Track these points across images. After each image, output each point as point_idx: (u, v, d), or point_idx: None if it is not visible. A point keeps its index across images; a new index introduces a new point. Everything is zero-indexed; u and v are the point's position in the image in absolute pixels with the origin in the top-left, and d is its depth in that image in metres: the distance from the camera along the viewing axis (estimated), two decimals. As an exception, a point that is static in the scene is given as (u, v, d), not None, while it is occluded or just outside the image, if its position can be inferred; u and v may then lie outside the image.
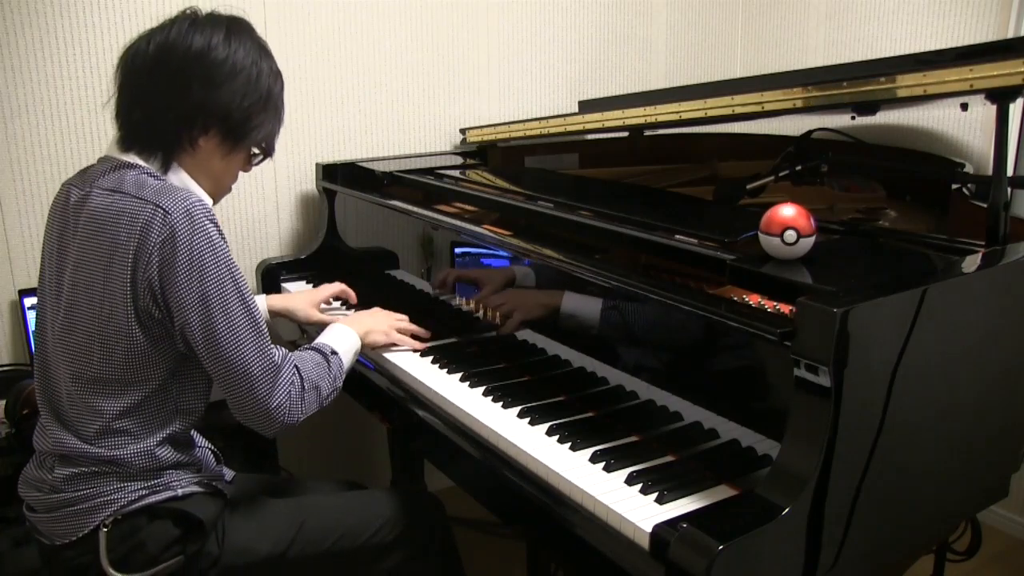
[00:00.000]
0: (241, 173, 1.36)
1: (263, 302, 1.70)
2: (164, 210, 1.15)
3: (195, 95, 1.21)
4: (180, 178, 1.25)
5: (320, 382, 1.31)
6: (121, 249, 1.16)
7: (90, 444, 1.20)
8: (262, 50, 1.28)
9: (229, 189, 1.36)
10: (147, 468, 1.22)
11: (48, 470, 1.24)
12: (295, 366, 1.27)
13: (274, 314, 1.71)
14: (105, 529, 1.19)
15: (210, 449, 1.39)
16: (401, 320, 1.62)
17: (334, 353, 1.39)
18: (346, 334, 1.48)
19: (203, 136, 1.24)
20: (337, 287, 1.80)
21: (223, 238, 1.20)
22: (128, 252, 1.15)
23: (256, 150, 1.34)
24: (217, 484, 1.30)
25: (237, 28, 1.26)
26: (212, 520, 1.25)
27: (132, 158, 1.23)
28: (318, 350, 1.37)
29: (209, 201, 1.28)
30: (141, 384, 1.21)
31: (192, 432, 1.34)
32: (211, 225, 1.18)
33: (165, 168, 1.24)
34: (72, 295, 1.21)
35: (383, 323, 1.57)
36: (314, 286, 2.07)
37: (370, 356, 1.63)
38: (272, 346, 1.23)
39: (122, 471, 1.21)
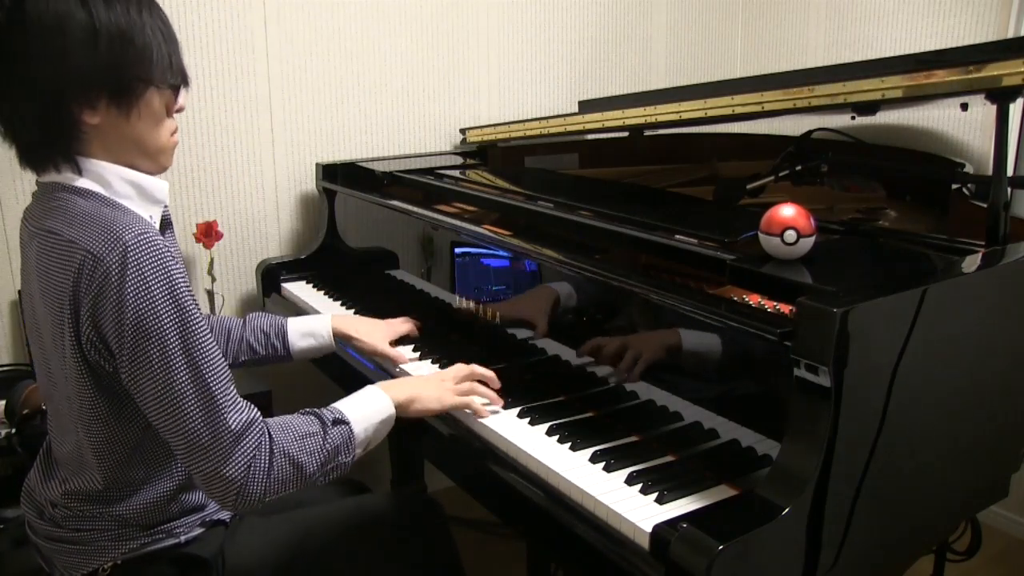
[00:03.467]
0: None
1: (327, 323, 1.56)
2: (94, 256, 0.98)
3: (32, 76, 1.00)
4: (108, 171, 1.07)
5: (304, 457, 1.09)
6: (63, 304, 1.02)
7: (90, 493, 1.14)
8: None
9: (171, 142, 1.13)
10: (151, 522, 1.16)
11: (49, 501, 1.19)
12: (266, 435, 1.07)
13: (339, 337, 1.57)
14: (104, 573, 1.15)
15: None
16: (468, 376, 1.34)
17: (339, 423, 1.15)
18: (372, 399, 1.23)
19: (86, 111, 1.03)
20: (407, 325, 1.64)
21: (171, 270, 1.01)
22: (67, 307, 1.01)
23: (165, 87, 1.08)
24: (219, 515, 1.25)
25: None
26: (215, 555, 1.21)
27: (52, 176, 1.07)
28: (317, 416, 1.15)
29: (159, 187, 1.12)
30: (126, 434, 1.11)
31: None
32: (151, 265, 0.99)
33: (77, 169, 1.06)
34: (47, 351, 1.11)
35: (436, 388, 1.30)
36: (314, 287, 2.07)
37: (368, 356, 1.63)
38: (235, 409, 1.04)
39: (124, 521, 1.16)
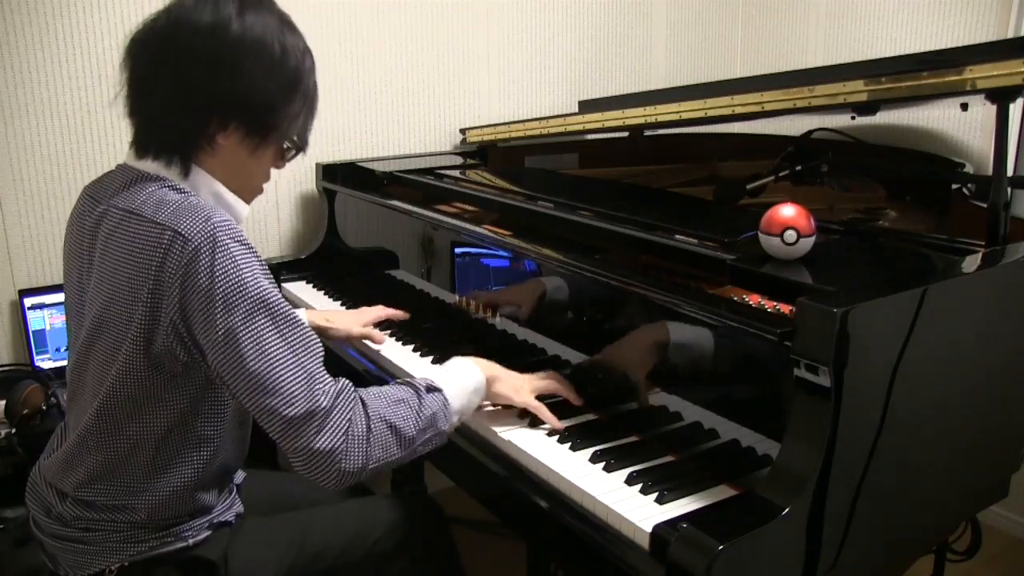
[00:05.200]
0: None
1: (302, 316, 1.55)
2: (183, 236, 1.00)
3: (207, 82, 1.05)
4: (205, 182, 1.12)
5: (400, 422, 1.08)
6: (138, 284, 1.02)
7: (102, 483, 1.13)
8: (285, 24, 1.11)
9: (261, 189, 1.21)
10: (161, 524, 1.15)
11: (58, 496, 1.18)
12: (359, 401, 1.07)
13: (312, 328, 1.60)
14: (111, 574, 1.14)
15: (234, 484, 1.31)
16: (544, 380, 1.32)
17: (433, 389, 1.16)
18: (463, 370, 1.23)
19: (221, 132, 1.09)
20: (381, 310, 1.67)
21: (255, 256, 1.04)
22: (145, 288, 1.02)
23: (288, 144, 1.17)
24: (225, 516, 1.24)
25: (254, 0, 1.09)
26: (221, 556, 1.20)
27: (149, 166, 1.10)
28: (409, 384, 1.15)
29: (242, 208, 1.17)
30: (153, 427, 1.11)
31: (217, 468, 1.20)
32: (238, 247, 1.02)
33: (185, 172, 1.10)
34: (94, 330, 1.09)
35: (519, 378, 1.30)
36: (315, 287, 2.08)
37: (366, 353, 1.63)
38: (324, 381, 1.04)
39: (134, 521, 1.14)
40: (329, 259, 2.17)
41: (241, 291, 1.01)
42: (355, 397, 1.07)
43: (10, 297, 1.90)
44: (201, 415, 1.14)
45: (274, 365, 1.01)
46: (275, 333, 1.02)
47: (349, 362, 1.66)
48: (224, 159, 1.12)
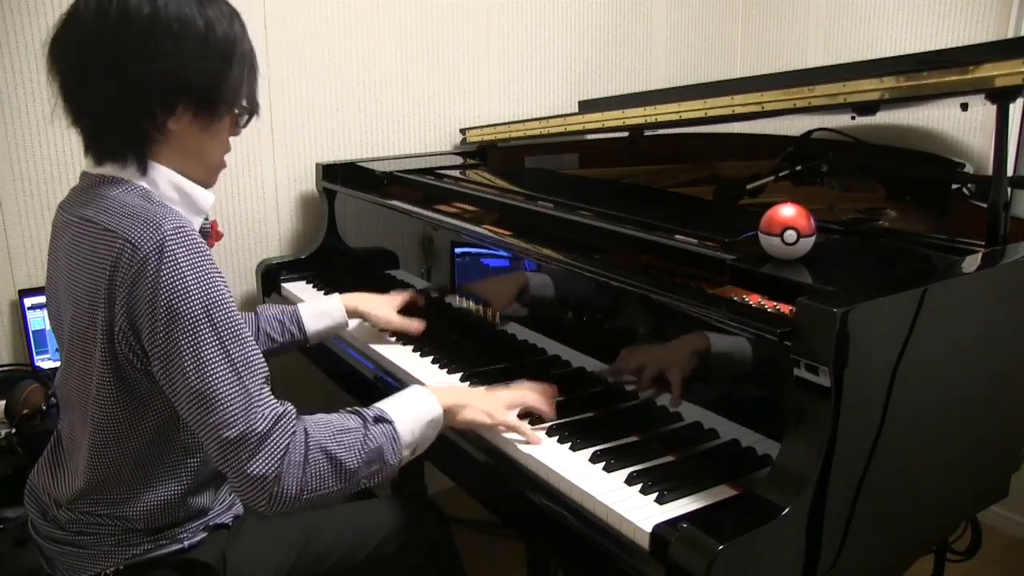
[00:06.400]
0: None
1: (338, 302, 1.61)
2: (132, 245, 0.98)
3: (137, 71, 1.01)
4: (163, 175, 1.09)
5: (342, 453, 1.04)
6: (97, 295, 1.02)
7: (94, 495, 1.13)
8: None
9: (223, 163, 1.17)
10: (156, 528, 1.15)
11: (54, 500, 1.18)
12: (300, 429, 1.03)
13: (351, 313, 1.62)
14: None
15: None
16: (517, 395, 1.27)
17: (382, 421, 1.11)
18: (417, 399, 1.18)
19: (171, 118, 1.06)
20: (410, 293, 1.71)
21: (207, 264, 1.02)
22: (101, 298, 1.01)
23: (238, 110, 1.13)
24: (222, 519, 1.23)
25: None
26: (218, 559, 1.20)
27: (107, 169, 1.08)
28: (357, 413, 1.11)
29: (205, 198, 1.14)
30: (137, 435, 1.10)
31: (208, 474, 1.19)
32: (187, 255, 0.99)
33: (143, 169, 1.08)
34: (69, 342, 1.10)
35: (489, 400, 1.24)
36: (314, 287, 2.07)
37: (366, 353, 1.63)
38: (264, 404, 1.01)
39: (129, 526, 1.14)
40: (329, 259, 2.17)
41: (186, 301, 0.98)
42: (295, 424, 1.04)
43: (10, 297, 1.90)
44: (182, 424, 1.12)
45: (213, 382, 0.99)
46: (217, 348, 1.00)
47: (347, 360, 1.66)
48: (179, 144, 1.09)
